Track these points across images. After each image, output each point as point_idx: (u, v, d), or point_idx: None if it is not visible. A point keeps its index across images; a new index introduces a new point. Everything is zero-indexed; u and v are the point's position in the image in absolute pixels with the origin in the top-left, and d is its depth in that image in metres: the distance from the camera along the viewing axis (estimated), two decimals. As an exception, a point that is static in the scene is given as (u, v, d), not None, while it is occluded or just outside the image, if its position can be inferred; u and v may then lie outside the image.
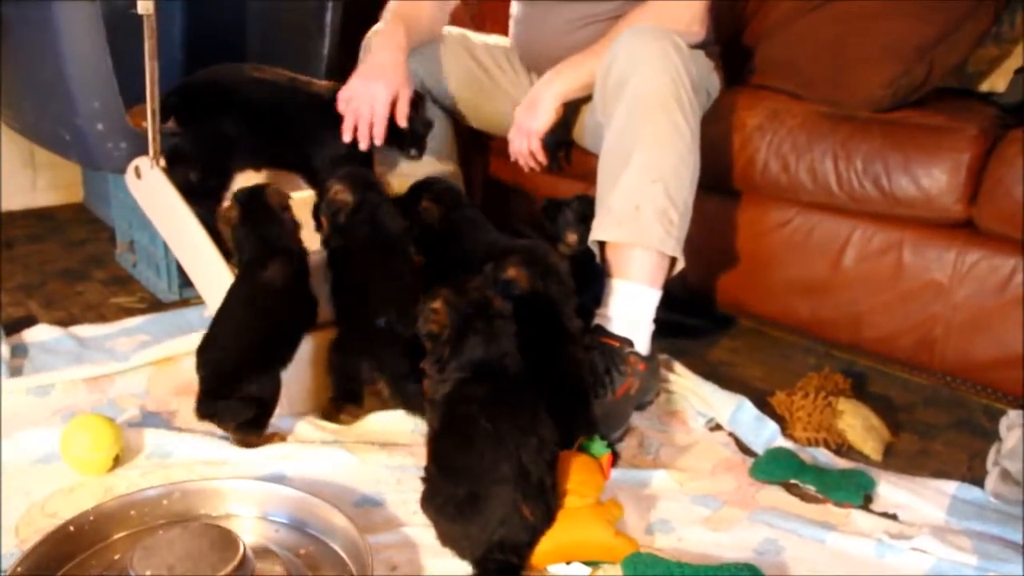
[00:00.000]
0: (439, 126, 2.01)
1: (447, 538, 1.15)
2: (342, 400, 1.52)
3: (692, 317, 1.94)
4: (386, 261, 1.51)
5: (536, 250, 1.44)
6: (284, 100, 1.71)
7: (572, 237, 1.73)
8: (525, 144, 1.75)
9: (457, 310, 1.20)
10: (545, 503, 1.12)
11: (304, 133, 1.71)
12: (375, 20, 1.85)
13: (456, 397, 1.18)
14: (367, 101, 1.63)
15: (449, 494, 1.12)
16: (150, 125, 1.73)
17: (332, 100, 1.67)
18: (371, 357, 1.48)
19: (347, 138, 1.65)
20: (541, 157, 1.76)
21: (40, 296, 2.04)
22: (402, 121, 1.67)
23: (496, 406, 1.14)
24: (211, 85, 1.72)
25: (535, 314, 1.31)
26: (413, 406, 1.47)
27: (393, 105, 1.65)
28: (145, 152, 1.70)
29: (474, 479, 1.10)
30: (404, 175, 1.97)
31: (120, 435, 1.34)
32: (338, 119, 1.66)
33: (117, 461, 1.34)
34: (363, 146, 1.65)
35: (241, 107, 1.69)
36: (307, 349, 1.52)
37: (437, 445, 1.18)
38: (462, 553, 1.14)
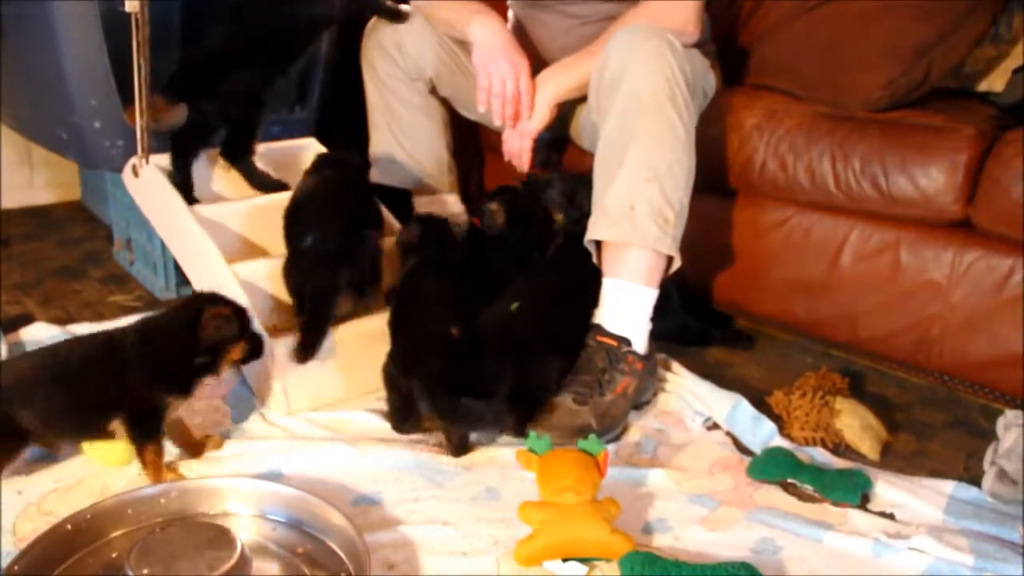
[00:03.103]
0: (437, 115, 2.02)
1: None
2: None
3: (714, 326, 1.94)
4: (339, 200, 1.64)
5: None
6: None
7: (559, 216, 1.76)
8: (517, 143, 1.76)
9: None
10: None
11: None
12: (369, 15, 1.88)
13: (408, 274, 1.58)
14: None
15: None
16: (138, 122, 1.73)
17: None
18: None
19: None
20: (527, 156, 1.77)
21: (37, 294, 2.03)
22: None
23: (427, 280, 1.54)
24: (198, 60, 1.83)
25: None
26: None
27: None
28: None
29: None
30: (397, 161, 2.00)
31: None
32: None
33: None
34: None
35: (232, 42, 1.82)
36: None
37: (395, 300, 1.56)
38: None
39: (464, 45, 1.90)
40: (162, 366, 1.28)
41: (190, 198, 1.79)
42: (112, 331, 1.33)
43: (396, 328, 1.51)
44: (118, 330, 1.33)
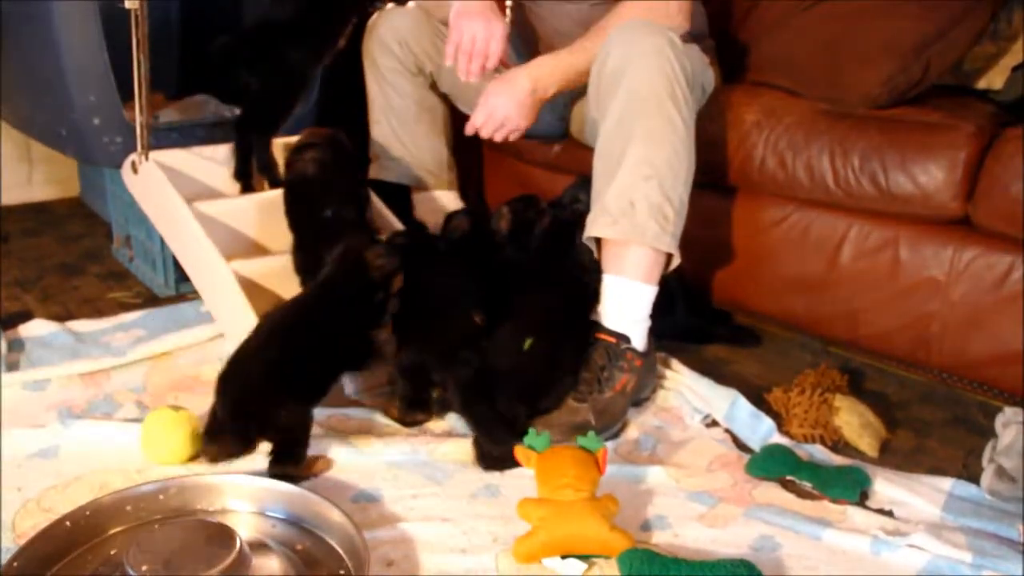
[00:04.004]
0: (438, 111, 2.02)
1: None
2: None
3: (716, 323, 1.93)
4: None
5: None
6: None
7: None
8: (494, 132, 1.70)
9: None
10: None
11: None
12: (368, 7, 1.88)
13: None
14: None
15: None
16: (138, 119, 1.73)
17: None
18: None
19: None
20: (500, 138, 1.74)
21: (36, 291, 2.03)
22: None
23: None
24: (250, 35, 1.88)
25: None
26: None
27: None
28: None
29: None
30: (397, 157, 1.99)
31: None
32: None
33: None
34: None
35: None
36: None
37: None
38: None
39: None
40: (366, 314, 1.43)
41: (248, 187, 1.87)
42: (305, 302, 1.45)
43: (415, 326, 1.49)
44: (310, 300, 1.46)
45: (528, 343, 1.44)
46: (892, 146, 1.63)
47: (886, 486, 1.35)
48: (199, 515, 1.19)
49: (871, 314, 1.71)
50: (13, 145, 2.63)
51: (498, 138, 1.71)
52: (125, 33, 1.70)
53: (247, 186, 1.88)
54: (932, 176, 1.58)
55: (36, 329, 1.77)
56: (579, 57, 1.63)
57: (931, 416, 1.61)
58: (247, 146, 1.86)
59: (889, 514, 1.30)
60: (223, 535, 1.06)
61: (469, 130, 1.73)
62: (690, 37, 1.68)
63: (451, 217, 1.71)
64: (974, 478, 1.36)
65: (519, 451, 1.24)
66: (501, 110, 1.67)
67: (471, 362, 1.41)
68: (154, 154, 1.81)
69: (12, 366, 1.62)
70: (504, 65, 1.74)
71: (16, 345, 1.71)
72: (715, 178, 1.82)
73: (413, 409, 1.49)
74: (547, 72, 1.68)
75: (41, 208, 2.67)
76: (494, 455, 1.36)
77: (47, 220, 2.56)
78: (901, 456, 1.47)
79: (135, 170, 1.83)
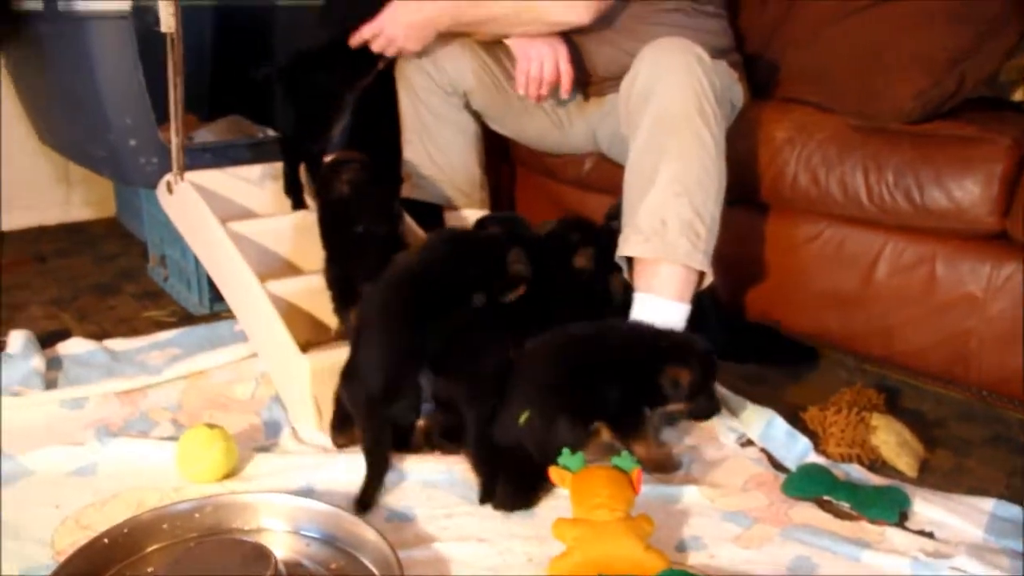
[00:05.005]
0: (470, 130, 2.03)
1: None
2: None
3: (761, 341, 1.91)
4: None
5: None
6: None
7: None
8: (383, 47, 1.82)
9: None
10: None
11: None
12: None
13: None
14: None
15: None
16: (173, 140, 1.76)
17: None
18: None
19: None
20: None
21: (73, 310, 2.06)
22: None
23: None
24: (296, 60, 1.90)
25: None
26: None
27: None
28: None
29: None
30: (429, 176, 2.01)
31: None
32: None
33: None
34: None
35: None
36: (336, 361, 1.52)
37: None
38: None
39: (495, 53, 1.91)
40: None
41: (299, 203, 1.88)
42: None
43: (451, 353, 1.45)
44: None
45: (524, 417, 1.34)
46: (926, 161, 1.61)
47: (925, 506, 1.32)
48: (235, 534, 1.20)
49: (907, 331, 1.69)
50: (52, 166, 2.69)
51: (389, 52, 1.84)
52: (159, 56, 1.73)
53: (298, 202, 1.90)
54: (968, 191, 1.57)
55: (73, 348, 1.79)
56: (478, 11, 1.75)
57: (970, 434, 1.59)
58: (293, 165, 1.89)
59: (929, 535, 1.27)
60: (259, 554, 1.06)
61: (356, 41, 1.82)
62: (717, 53, 1.68)
63: (484, 224, 1.68)
64: (1017, 498, 1.34)
65: (554, 471, 1.24)
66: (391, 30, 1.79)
67: (490, 399, 1.37)
68: (189, 174, 1.84)
69: (50, 384, 1.65)
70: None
71: (54, 363, 1.73)
72: (747, 195, 1.81)
73: (447, 438, 1.46)
74: (448, 11, 1.77)
75: (78, 228, 2.72)
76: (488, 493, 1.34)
77: (84, 240, 2.60)
78: (940, 475, 1.45)
79: (170, 190, 1.86)
